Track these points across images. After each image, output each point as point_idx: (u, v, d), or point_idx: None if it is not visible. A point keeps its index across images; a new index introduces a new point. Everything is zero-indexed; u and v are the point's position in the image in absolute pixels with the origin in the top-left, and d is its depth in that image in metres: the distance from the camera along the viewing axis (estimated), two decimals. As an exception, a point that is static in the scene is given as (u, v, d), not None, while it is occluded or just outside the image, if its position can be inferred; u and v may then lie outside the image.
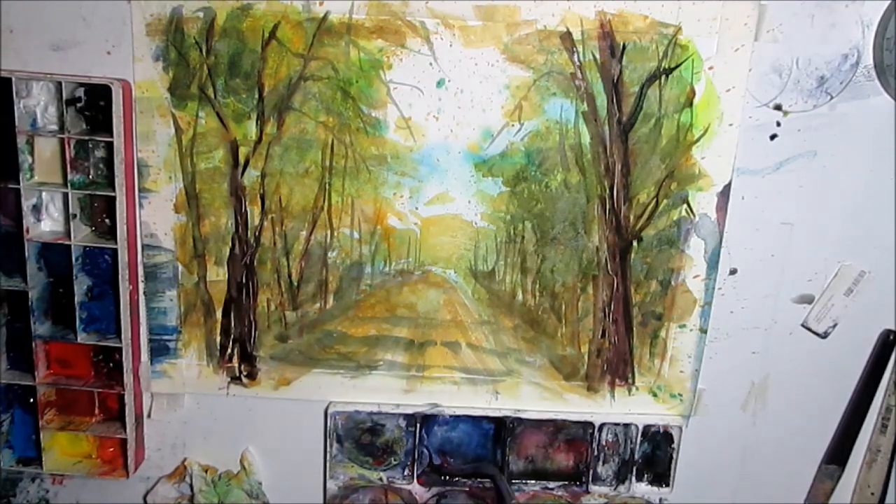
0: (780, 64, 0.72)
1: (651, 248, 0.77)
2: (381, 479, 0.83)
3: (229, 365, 0.80)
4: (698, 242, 0.77)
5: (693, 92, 0.72)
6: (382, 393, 0.81)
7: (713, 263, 0.77)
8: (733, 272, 0.79)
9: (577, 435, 0.83)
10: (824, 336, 0.80)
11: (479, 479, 0.83)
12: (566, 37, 0.71)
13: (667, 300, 0.79)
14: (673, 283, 0.78)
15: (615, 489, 0.84)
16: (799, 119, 0.74)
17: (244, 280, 0.78)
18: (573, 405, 0.82)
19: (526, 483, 0.83)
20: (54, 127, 0.72)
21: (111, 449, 0.81)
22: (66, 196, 0.74)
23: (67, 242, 0.74)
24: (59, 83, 0.70)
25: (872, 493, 0.84)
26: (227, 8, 0.70)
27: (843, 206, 0.76)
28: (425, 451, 0.83)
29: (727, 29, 0.70)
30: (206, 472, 0.84)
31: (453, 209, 0.76)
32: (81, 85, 0.71)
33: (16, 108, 0.70)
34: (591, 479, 0.83)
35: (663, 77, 0.72)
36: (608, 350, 0.81)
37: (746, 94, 0.73)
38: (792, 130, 0.74)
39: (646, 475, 0.84)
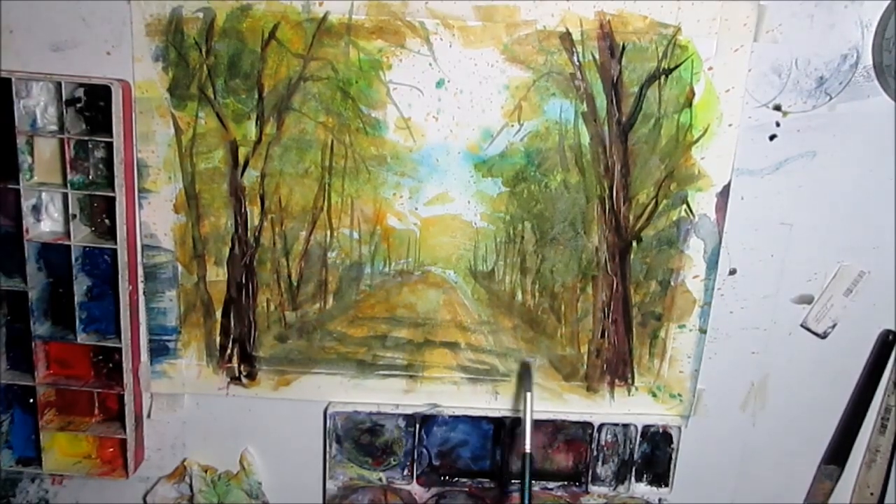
0: (780, 64, 0.72)
1: (650, 248, 0.77)
2: (380, 480, 0.83)
3: (229, 365, 0.80)
4: (698, 243, 0.77)
5: (692, 92, 0.72)
6: (382, 393, 0.81)
7: (713, 264, 0.78)
8: (733, 272, 0.79)
9: (576, 435, 0.83)
10: (824, 336, 0.80)
11: (478, 479, 0.83)
12: (566, 37, 0.71)
13: (666, 300, 0.79)
14: (672, 283, 0.78)
15: (614, 489, 0.84)
16: (798, 119, 0.74)
17: (244, 280, 0.78)
18: (573, 405, 0.82)
19: (525, 483, 0.84)
20: (54, 127, 0.72)
21: (111, 449, 0.81)
22: (65, 196, 0.73)
23: (67, 243, 0.74)
24: (59, 83, 0.70)
25: (872, 493, 0.85)
26: (227, 8, 0.70)
27: (843, 206, 0.76)
28: (425, 451, 0.83)
29: (726, 29, 0.70)
30: (205, 472, 0.84)
31: (453, 209, 0.76)
32: (81, 85, 0.71)
33: (16, 108, 0.70)
34: (590, 479, 0.83)
35: (663, 77, 0.72)
36: (608, 350, 0.81)
37: (746, 95, 0.73)
38: (791, 131, 0.74)
39: (645, 475, 0.84)
